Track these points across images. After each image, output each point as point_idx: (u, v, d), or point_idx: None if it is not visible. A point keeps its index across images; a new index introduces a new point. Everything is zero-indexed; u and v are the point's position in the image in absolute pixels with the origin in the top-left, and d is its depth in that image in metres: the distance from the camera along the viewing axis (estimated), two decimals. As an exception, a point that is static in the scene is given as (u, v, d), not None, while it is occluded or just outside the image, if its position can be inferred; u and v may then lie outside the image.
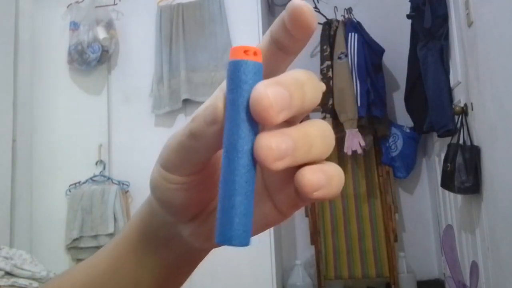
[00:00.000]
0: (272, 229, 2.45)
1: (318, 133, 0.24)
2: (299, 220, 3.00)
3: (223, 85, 0.25)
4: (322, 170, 0.23)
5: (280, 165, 0.22)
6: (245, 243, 0.23)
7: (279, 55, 0.26)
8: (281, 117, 0.22)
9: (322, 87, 0.25)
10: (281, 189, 0.27)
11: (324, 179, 0.23)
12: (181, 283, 0.35)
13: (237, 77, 0.23)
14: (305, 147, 0.23)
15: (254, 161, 0.23)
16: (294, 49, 0.25)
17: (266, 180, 0.28)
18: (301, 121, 0.25)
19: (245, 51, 0.23)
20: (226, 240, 0.22)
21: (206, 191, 0.28)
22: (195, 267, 0.34)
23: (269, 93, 0.21)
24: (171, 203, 0.28)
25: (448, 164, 1.91)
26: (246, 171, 0.23)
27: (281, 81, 0.22)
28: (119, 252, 0.33)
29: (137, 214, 0.32)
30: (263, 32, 2.62)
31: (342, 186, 0.24)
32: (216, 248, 0.31)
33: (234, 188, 0.22)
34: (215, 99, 0.24)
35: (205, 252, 0.33)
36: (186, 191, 0.27)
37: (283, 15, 0.24)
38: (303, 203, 0.26)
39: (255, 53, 0.23)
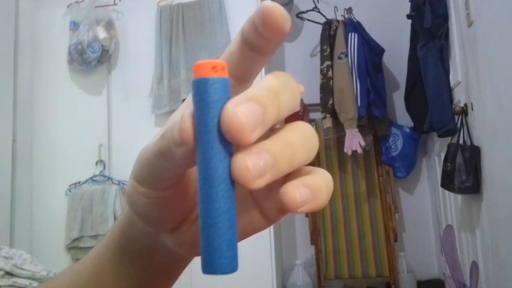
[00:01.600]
0: (272, 229, 2.45)
1: (299, 138, 0.23)
2: (299, 220, 3.00)
3: (191, 97, 0.23)
4: (307, 184, 0.22)
5: (261, 183, 0.21)
6: (233, 269, 0.22)
7: (252, 56, 0.24)
8: (256, 135, 0.21)
9: (300, 89, 0.24)
10: (267, 196, 0.26)
11: (309, 193, 0.22)
12: None
13: (207, 96, 0.21)
14: (286, 158, 0.22)
15: (233, 182, 0.21)
16: (267, 50, 0.24)
17: (255, 198, 0.27)
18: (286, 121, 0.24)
19: (213, 67, 0.21)
20: (214, 270, 0.21)
21: (185, 202, 0.27)
22: (180, 274, 0.33)
23: (239, 113, 0.20)
24: (148, 216, 0.27)
25: (448, 164, 1.91)
26: (225, 196, 0.21)
27: (253, 95, 0.21)
28: (101, 260, 0.32)
29: (118, 222, 0.31)
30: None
31: (330, 194, 0.23)
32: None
33: (215, 215, 0.21)
34: (182, 119, 0.22)
35: (190, 259, 0.32)
36: (162, 205, 0.26)
37: (253, 16, 0.22)
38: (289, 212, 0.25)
39: (223, 69, 0.22)
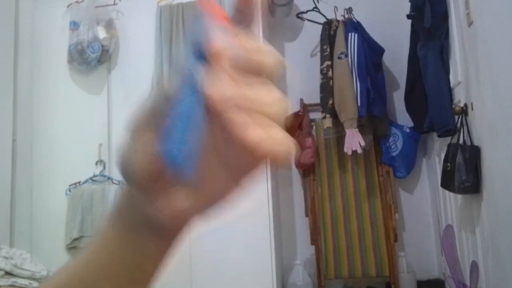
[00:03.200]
0: (272, 228, 2.44)
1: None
2: (299, 220, 2.99)
3: None
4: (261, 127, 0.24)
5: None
6: (179, 163, 0.25)
7: None
8: None
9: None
10: (234, 159, 0.27)
11: (262, 132, 0.24)
12: None
13: None
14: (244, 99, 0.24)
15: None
16: (243, 23, 0.27)
17: (220, 154, 0.28)
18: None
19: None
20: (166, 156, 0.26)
21: None
22: (155, 271, 0.34)
23: None
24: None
25: (448, 164, 1.91)
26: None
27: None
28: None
29: (97, 242, 0.34)
30: (263, 32, 2.62)
31: (286, 148, 0.24)
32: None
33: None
34: None
35: (167, 244, 0.33)
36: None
37: None
38: (253, 167, 0.27)
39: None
